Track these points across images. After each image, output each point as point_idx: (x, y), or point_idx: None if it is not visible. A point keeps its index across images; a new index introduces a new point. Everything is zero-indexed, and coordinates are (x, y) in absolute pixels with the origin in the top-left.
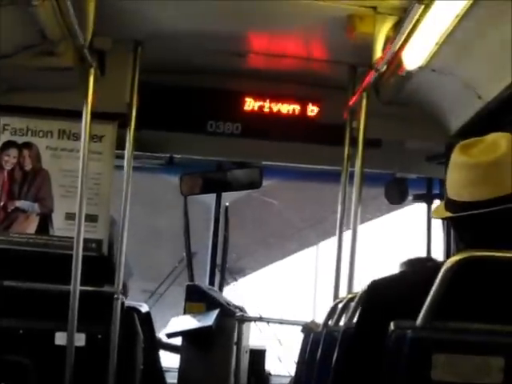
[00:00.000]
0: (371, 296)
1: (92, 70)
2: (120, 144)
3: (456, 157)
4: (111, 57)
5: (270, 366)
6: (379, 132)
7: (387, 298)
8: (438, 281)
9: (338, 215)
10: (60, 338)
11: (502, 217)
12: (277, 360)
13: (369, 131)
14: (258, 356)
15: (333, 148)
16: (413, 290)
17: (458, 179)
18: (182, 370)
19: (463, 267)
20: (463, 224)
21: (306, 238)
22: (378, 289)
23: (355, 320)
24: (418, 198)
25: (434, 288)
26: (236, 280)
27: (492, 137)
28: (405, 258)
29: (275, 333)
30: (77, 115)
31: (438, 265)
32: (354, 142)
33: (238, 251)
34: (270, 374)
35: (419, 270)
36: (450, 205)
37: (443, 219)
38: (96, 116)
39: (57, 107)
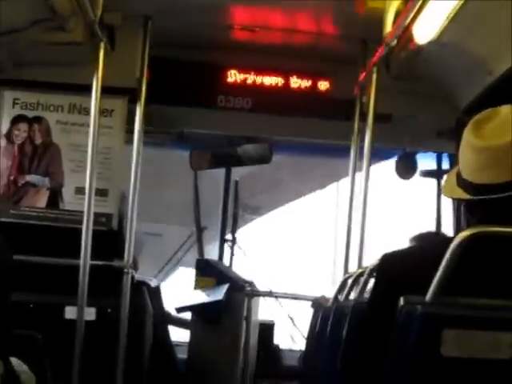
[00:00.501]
0: (384, 268)
1: (102, 45)
2: (130, 119)
3: (469, 136)
4: (121, 32)
5: (280, 340)
6: (389, 107)
7: (400, 271)
8: (447, 256)
9: (349, 190)
10: (70, 312)
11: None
12: (287, 335)
13: (379, 106)
14: (267, 330)
15: (343, 123)
16: (423, 264)
17: (471, 160)
18: (192, 345)
19: (473, 243)
20: (475, 206)
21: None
22: (391, 261)
23: (367, 293)
24: (427, 174)
25: (443, 263)
26: (251, 220)
27: (505, 113)
28: (415, 233)
29: (285, 308)
30: (87, 90)
31: (448, 240)
32: (363, 116)
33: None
34: (279, 348)
35: (429, 245)
36: (463, 184)
37: (454, 199)
38: (106, 91)
39: (67, 82)
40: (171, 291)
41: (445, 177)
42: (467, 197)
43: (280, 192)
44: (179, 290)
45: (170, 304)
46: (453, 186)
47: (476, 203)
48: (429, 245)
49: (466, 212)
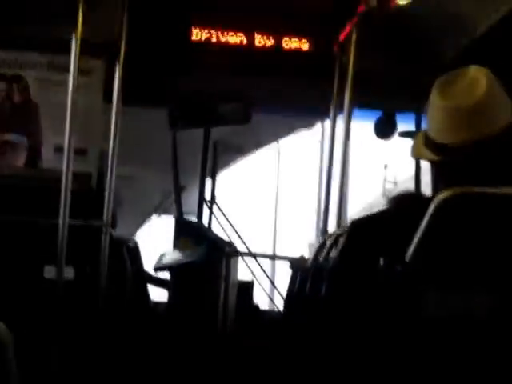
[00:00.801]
0: (352, 236)
1: (81, 1)
2: (109, 77)
3: (436, 96)
4: None
5: (259, 301)
6: (369, 67)
7: (368, 238)
8: (426, 217)
9: (327, 151)
10: (49, 272)
11: (481, 161)
12: (265, 296)
13: (358, 66)
14: (245, 290)
15: (322, 83)
16: (395, 228)
17: (437, 120)
18: (171, 304)
19: (451, 203)
20: (441, 167)
21: None
22: (359, 229)
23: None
24: (405, 135)
25: (423, 224)
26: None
27: (471, 73)
28: (394, 194)
29: (264, 268)
30: (66, 47)
31: (425, 202)
32: (343, 76)
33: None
34: (258, 307)
35: (404, 208)
36: (430, 145)
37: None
38: (85, 48)
39: (46, 39)
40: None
41: None
42: (434, 158)
43: (259, 133)
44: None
45: (147, 254)
46: (420, 146)
47: (442, 164)
48: (404, 207)
49: (434, 173)
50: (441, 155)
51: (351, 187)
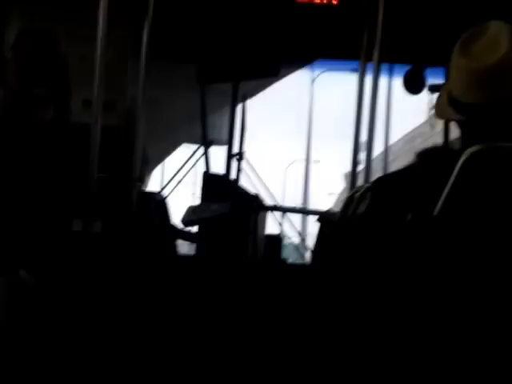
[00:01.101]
0: (377, 194)
1: None
2: (138, 31)
3: (457, 56)
4: None
5: (287, 254)
6: (397, 22)
7: (394, 195)
8: (456, 171)
9: (356, 107)
10: (77, 225)
11: (507, 120)
12: (294, 250)
13: (387, 21)
14: (273, 243)
15: (351, 38)
16: (422, 183)
17: (461, 81)
18: (198, 258)
19: (480, 158)
20: (469, 126)
21: None
22: (384, 186)
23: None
24: (434, 89)
25: (452, 178)
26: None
27: (492, 30)
28: (422, 149)
29: (293, 223)
30: (95, 1)
31: (452, 156)
32: (372, 31)
33: None
34: (285, 261)
35: (431, 163)
36: (454, 104)
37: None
38: (113, 2)
39: None
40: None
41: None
42: (458, 117)
43: None
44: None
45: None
46: (444, 106)
47: (468, 123)
48: (431, 162)
49: (461, 132)
50: (465, 114)
51: (393, 115)
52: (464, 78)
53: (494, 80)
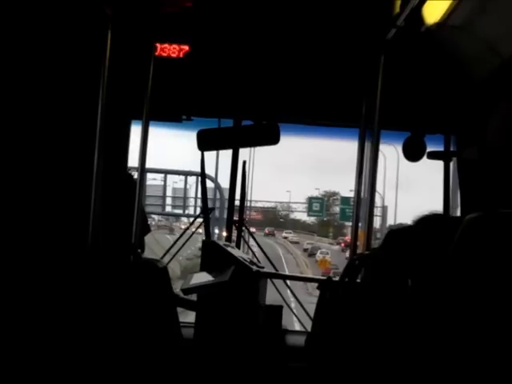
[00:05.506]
0: (389, 241)
1: None
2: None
3: None
4: None
5: (287, 322)
6: (397, 89)
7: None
8: (456, 238)
9: (356, 173)
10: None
11: None
12: (293, 316)
13: (386, 88)
14: (274, 312)
15: (351, 104)
16: (428, 243)
17: None
18: (198, 326)
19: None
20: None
21: None
22: (398, 235)
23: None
24: (434, 156)
25: (453, 245)
26: None
27: None
28: (420, 215)
29: (292, 289)
30: None
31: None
32: (372, 99)
33: None
34: (286, 330)
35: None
36: None
37: None
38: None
39: None
40: None
41: (453, 159)
42: None
43: None
44: None
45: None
46: None
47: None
48: (433, 227)
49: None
50: None
51: None
52: None
53: None
